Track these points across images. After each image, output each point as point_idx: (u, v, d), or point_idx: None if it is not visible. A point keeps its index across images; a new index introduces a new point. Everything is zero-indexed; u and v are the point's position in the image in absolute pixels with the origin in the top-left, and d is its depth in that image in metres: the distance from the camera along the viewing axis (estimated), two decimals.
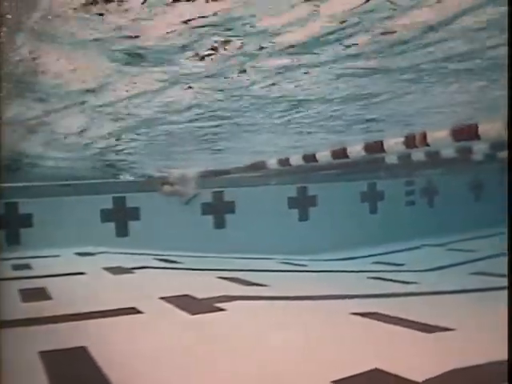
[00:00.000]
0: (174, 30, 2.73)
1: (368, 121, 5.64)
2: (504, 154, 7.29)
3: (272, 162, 8.09)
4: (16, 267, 7.59)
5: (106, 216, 10.95)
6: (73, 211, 10.42)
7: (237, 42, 2.98)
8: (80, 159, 7.33)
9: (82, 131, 5.50)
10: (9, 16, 2.42)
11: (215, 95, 4.24)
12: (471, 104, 5.03)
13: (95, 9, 2.43)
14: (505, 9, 2.57)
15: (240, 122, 5.33)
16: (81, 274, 7.01)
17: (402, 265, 8.99)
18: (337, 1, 2.52)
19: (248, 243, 10.87)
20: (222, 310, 4.68)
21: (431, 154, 7.51)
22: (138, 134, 5.89)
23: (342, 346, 3.59)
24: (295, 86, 4.10)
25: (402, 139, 6.07)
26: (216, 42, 2.96)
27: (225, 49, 3.06)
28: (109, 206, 11.02)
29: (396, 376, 2.85)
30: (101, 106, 4.43)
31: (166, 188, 10.82)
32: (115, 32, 2.72)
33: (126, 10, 2.46)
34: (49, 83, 3.62)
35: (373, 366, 2.99)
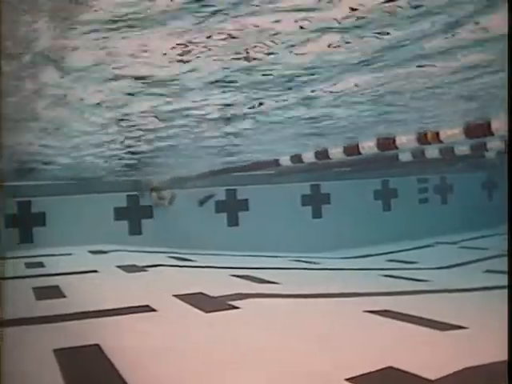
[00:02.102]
0: None
1: None
2: None
3: (285, 159, 8.07)
4: (29, 265, 7.62)
5: (119, 214, 11.00)
6: (86, 209, 10.47)
7: None
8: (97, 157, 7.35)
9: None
10: None
11: None
12: None
13: None
14: None
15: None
16: (94, 271, 7.04)
17: (415, 263, 8.97)
18: None
19: (261, 241, 10.90)
20: (235, 307, 4.68)
21: (445, 151, 7.47)
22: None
23: (355, 344, 3.58)
24: None
25: (415, 136, 6.04)
26: None
27: None
28: (122, 204, 11.06)
29: (410, 374, 2.85)
30: None
31: (154, 196, 10.90)
32: None
33: None
34: None
35: (386, 364, 2.98)
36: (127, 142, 6.17)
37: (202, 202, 11.60)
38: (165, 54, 3.06)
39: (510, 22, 2.53)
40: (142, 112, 4.63)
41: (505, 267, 6.86)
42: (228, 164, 9.15)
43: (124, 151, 6.82)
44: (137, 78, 3.57)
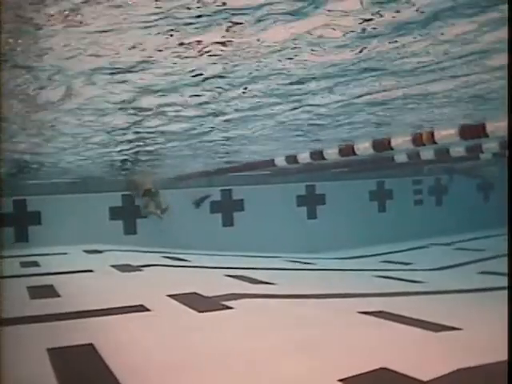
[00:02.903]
0: None
1: None
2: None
3: (280, 160, 8.07)
4: (24, 264, 7.61)
5: (114, 214, 10.99)
6: (81, 209, 10.46)
7: None
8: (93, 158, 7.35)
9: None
10: None
11: None
12: None
13: None
14: None
15: None
16: (89, 271, 7.03)
17: (409, 264, 8.97)
18: None
19: (256, 241, 10.90)
20: (229, 307, 4.67)
21: (440, 152, 7.48)
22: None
23: (349, 345, 3.58)
24: None
25: (410, 137, 6.04)
26: None
27: None
28: (117, 203, 11.05)
29: (403, 375, 2.85)
30: None
31: (146, 201, 10.84)
32: None
33: None
34: None
35: (379, 365, 2.98)
36: (122, 142, 6.17)
37: (197, 204, 11.58)
38: None
39: (510, 22, 2.53)
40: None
41: (500, 269, 6.91)
42: (224, 164, 9.15)
43: (119, 150, 6.81)
44: None
